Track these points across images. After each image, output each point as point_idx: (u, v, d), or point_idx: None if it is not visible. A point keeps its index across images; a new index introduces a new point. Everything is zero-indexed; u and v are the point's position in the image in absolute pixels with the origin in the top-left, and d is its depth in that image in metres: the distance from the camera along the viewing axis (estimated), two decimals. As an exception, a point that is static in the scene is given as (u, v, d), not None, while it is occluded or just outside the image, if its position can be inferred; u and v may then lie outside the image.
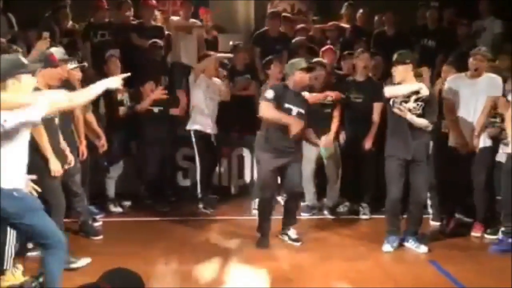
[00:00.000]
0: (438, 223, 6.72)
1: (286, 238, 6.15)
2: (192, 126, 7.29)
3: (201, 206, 7.32)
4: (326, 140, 6.88)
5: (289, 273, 5.42)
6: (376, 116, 6.85)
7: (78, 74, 5.97)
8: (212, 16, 9.28)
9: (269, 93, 5.84)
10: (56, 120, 5.23)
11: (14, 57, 4.20)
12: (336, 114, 6.97)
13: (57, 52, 5.50)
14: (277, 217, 6.21)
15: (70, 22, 8.34)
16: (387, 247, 5.89)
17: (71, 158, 5.49)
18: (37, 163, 4.69)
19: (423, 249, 5.88)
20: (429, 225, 6.71)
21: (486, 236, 6.35)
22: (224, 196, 7.92)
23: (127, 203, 7.42)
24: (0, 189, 3.88)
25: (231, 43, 8.85)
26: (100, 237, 6.21)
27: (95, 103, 6.60)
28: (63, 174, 5.25)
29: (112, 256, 5.34)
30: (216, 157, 7.80)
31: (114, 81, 4.12)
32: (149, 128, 7.31)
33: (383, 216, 6.16)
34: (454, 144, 6.37)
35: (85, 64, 6.17)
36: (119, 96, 7.14)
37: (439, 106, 6.05)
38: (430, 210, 6.87)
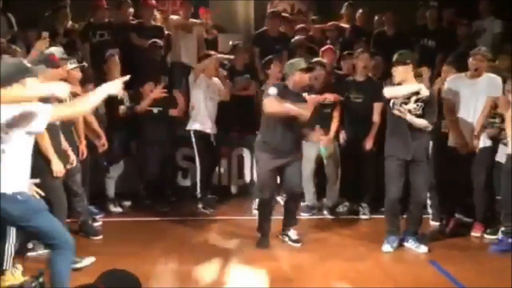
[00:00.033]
0: (438, 223, 6.72)
1: (286, 239, 6.14)
2: (192, 126, 7.29)
3: (200, 206, 7.32)
4: (325, 140, 6.90)
5: (289, 273, 5.41)
6: (376, 117, 6.85)
7: (78, 74, 5.97)
8: (212, 16, 9.27)
9: (273, 90, 5.82)
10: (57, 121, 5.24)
11: (17, 62, 4.19)
12: (335, 114, 6.98)
13: (57, 51, 5.50)
14: (277, 217, 6.21)
15: (70, 22, 8.34)
16: (386, 247, 5.89)
17: (73, 158, 5.51)
18: (38, 164, 4.69)
19: (423, 249, 5.88)
20: (429, 225, 6.72)
21: (486, 236, 6.35)
22: (224, 196, 7.92)
23: (127, 203, 7.43)
24: (4, 194, 3.88)
25: (230, 43, 8.85)
26: (100, 237, 6.21)
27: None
28: (64, 174, 5.26)
29: (112, 256, 5.35)
30: (216, 157, 7.80)
31: (114, 86, 4.11)
32: (148, 129, 7.32)
33: (383, 216, 6.16)
34: (454, 144, 6.37)
35: (85, 64, 6.17)
36: (119, 95, 7.13)
37: (438, 106, 6.05)
38: (430, 210, 6.88)
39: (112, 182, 7.26)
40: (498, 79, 6.26)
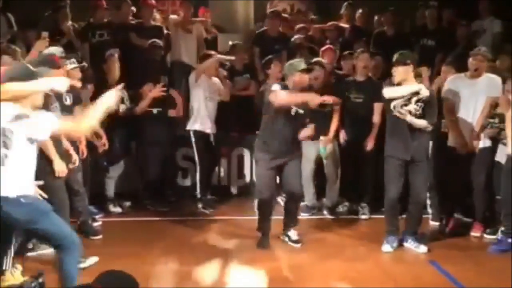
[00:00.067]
0: (437, 223, 6.72)
1: (286, 239, 6.14)
2: (192, 126, 7.29)
3: (200, 206, 7.32)
4: (325, 140, 6.90)
5: (288, 273, 5.42)
6: (377, 117, 6.84)
7: (77, 74, 5.96)
8: (212, 16, 9.27)
9: (277, 86, 5.81)
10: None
11: (22, 66, 4.18)
12: (335, 114, 6.97)
13: (56, 51, 5.51)
14: (277, 217, 6.21)
15: (70, 22, 8.35)
16: (386, 247, 5.89)
17: (75, 157, 5.52)
18: (40, 164, 4.68)
19: (423, 249, 5.88)
20: (428, 225, 6.72)
21: (485, 236, 6.35)
22: (224, 196, 7.92)
23: (127, 203, 7.42)
24: (7, 197, 3.88)
25: (230, 42, 8.86)
26: (100, 236, 6.21)
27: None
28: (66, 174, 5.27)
29: (111, 256, 5.35)
30: (216, 157, 7.80)
31: (112, 97, 4.11)
32: (148, 129, 7.32)
33: (382, 216, 6.16)
34: (454, 144, 6.37)
35: (85, 64, 6.17)
36: (120, 93, 7.12)
37: (438, 106, 6.04)
38: (429, 210, 6.88)
39: (112, 182, 7.26)
40: (498, 79, 6.26)
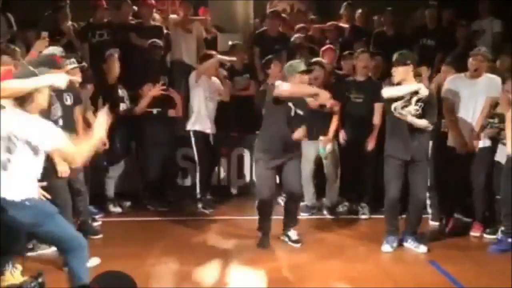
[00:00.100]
0: (437, 223, 6.73)
1: (286, 239, 6.14)
2: (192, 126, 7.29)
3: (200, 206, 7.32)
4: (325, 140, 6.90)
5: (288, 273, 5.42)
6: (377, 117, 6.84)
7: (77, 74, 5.96)
8: (212, 15, 9.27)
9: (280, 81, 5.80)
10: (60, 121, 5.25)
11: (27, 70, 4.18)
12: (335, 114, 6.97)
13: (56, 51, 5.50)
14: (277, 217, 6.21)
15: (70, 22, 8.35)
16: (386, 247, 5.89)
17: None
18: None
19: (423, 249, 5.88)
20: (428, 225, 6.72)
21: (485, 236, 6.35)
22: (224, 196, 7.92)
23: (127, 203, 7.42)
24: (12, 201, 3.87)
25: (230, 42, 8.85)
26: (100, 236, 6.21)
27: (94, 103, 6.61)
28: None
29: (111, 256, 5.34)
30: (215, 157, 7.80)
31: (106, 120, 4.13)
32: (148, 130, 7.32)
33: (382, 216, 6.16)
34: (454, 144, 6.37)
35: (85, 64, 6.17)
36: (120, 93, 7.13)
37: (438, 105, 6.04)
38: (429, 210, 6.88)
39: (112, 182, 7.26)
40: (498, 80, 6.27)
